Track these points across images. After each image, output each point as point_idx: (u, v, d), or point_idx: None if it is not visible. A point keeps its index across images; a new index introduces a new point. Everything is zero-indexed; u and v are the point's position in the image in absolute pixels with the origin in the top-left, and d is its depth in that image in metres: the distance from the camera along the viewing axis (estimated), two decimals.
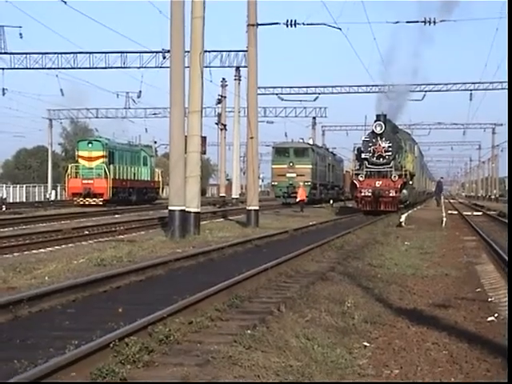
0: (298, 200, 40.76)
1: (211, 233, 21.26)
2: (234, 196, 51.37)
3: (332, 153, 64.92)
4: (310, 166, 51.11)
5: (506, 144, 60.10)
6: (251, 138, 26.01)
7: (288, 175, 50.34)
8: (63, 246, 17.51)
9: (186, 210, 19.94)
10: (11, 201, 51.87)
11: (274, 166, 52.38)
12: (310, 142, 55.62)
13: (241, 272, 11.18)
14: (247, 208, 26.25)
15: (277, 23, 28.09)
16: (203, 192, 64.78)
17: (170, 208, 19.97)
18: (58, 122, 69.83)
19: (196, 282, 10.95)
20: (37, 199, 56.57)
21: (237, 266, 12.61)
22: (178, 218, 19.60)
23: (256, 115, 26.90)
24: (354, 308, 8.67)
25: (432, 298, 10.08)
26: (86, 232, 21.51)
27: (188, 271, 12.78)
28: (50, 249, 16.69)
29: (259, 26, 25.92)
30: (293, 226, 24.45)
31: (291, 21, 28.57)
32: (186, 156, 20.31)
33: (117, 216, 32.46)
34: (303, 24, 28.61)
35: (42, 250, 16.28)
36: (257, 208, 26.14)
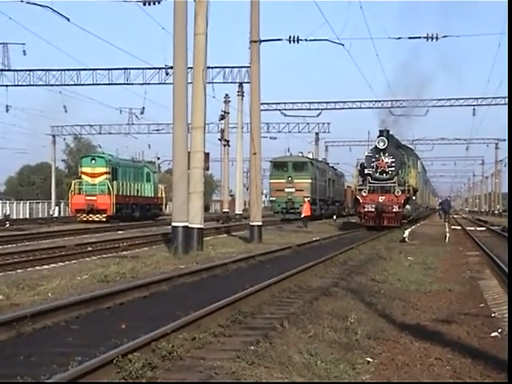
0: (302, 215, 40.41)
1: (214, 249, 21.26)
2: (237, 212, 51.16)
3: (332, 167, 64.24)
4: (310, 181, 49.87)
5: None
6: (254, 153, 26.06)
7: (286, 190, 49.09)
8: (66, 262, 17.53)
9: (189, 225, 19.95)
10: (15, 217, 51.90)
11: (272, 181, 51.05)
12: (310, 156, 54.62)
13: (244, 288, 11.18)
14: (250, 223, 26.25)
15: (279, 39, 28.26)
16: (206, 208, 64.84)
17: (173, 224, 19.99)
18: (62, 138, 70.05)
19: (199, 298, 10.94)
20: (40, 216, 56.63)
21: (240, 281, 12.61)
22: (181, 234, 19.62)
23: (259, 131, 26.97)
24: (357, 323, 8.66)
25: (435, 314, 10.07)
26: (90, 248, 21.52)
27: (191, 287, 12.77)
28: (54, 265, 16.73)
29: (262, 42, 26.07)
30: (296, 242, 24.43)
31: (294, 37, 28.75)
32: (189, 172, 20.35)
33: (120, 232, 32.49)
34: (306, 40, 28.79)
35: (46, 267, 16.30)
36: (260, 223, 26.14)
